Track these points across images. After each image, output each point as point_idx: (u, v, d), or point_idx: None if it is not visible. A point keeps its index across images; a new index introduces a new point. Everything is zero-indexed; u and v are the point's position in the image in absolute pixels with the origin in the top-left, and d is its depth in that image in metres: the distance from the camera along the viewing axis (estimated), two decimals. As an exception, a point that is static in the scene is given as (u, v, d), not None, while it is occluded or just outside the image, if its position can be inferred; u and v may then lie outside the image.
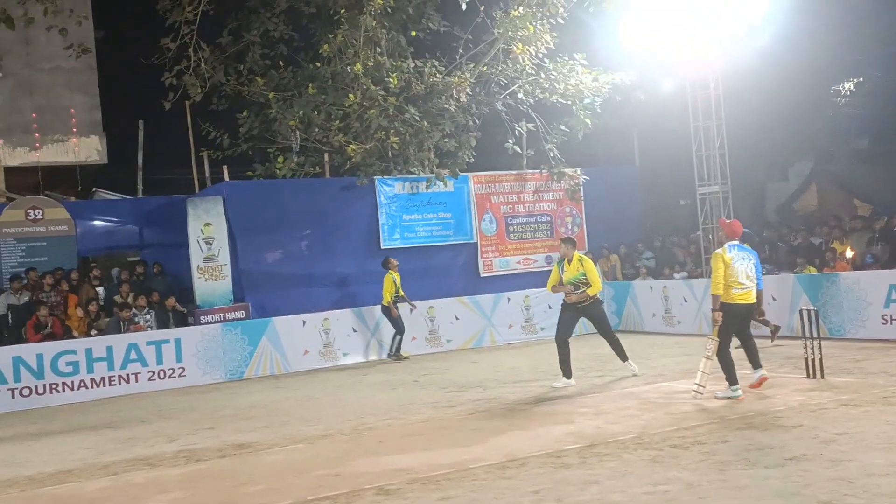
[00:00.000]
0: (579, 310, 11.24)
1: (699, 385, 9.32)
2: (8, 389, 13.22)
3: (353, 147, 16.55)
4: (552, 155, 18.55)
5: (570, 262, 11.23)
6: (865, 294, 12.92)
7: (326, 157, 17.75)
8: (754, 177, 21.11)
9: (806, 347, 9.93)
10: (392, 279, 15.59)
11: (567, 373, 11.07)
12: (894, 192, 18.86)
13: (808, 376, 9.84)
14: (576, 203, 19.30)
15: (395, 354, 15.58)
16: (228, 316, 15.52)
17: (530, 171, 18.91)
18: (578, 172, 19.17)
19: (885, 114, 20.85)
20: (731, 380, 9.22)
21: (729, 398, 9.13)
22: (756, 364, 9.50)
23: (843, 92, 18.60)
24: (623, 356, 11.48)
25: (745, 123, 18.16)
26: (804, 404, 8.54)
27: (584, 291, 11.06)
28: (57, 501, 7.22)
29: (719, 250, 9.27)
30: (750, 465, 6.42)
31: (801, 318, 10.11)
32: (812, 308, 10.51)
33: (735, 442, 7.18)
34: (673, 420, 8.32)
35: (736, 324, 9.30)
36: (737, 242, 9.37)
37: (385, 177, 17.49)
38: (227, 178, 17.11)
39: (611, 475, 6.47)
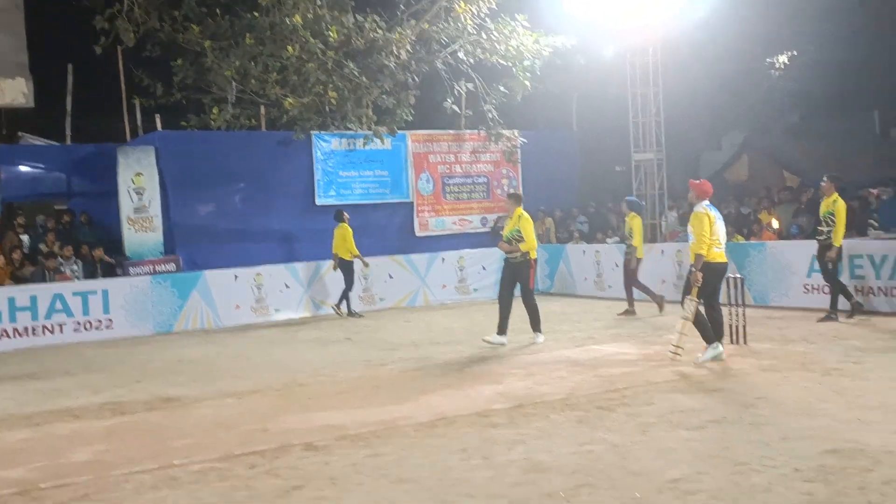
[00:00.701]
0: (510, 266, 11.32)
1: (678, 347, 9.19)
2: (-75, 338, 12.87)
3: (291, 101, 16.31)
4: (490, 116, 18.55)
5: (510, 217, 11.42)
6: (790, 263, 13.27)
7: (262, 109, 17.46)
8: (689, 145, 21.42)
9: (731, 314, 10.17)
10: (350, 232, 15.46)
11: (502, 330, 11.18)
12: (822, 167, 19.32)
13: (732, 342, 10.08)
14: (513, 165, 19.37)
15: (353, 312, 15.51)
16: (158, 268, 15.25)
17: (468, 131, 18.89)
18: (516, 134, 19.21)
19: (816, 90, 21.30)
20: (710, 339, 9.18)
21: (713, 358, 9.05)
22: (712, 339, 9.18)
23: (778, 65, 18.94)
24: (536, 326, 11.44)
25: (682, 92, 18.38)
26: (727, 369, 8.78)
27: (517, 246, 11.14)
28: (-24, 452, 7.06)
29: (701, 209, 9.18)
30: (672, 427, 6.58)
31: (728, 286, 10.32)
32: (738, 276, 10.75)
33: (659, 404, 7.35)
34: (600, 382, 8.46)
35: (717, 282, 9.28)
36: (708, 202, 9.33)
37: (322, 132, 17.28)
38: (159, 127, 16.72)
39: (538, 435, 6.57)
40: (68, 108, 18.42)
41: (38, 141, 19.12)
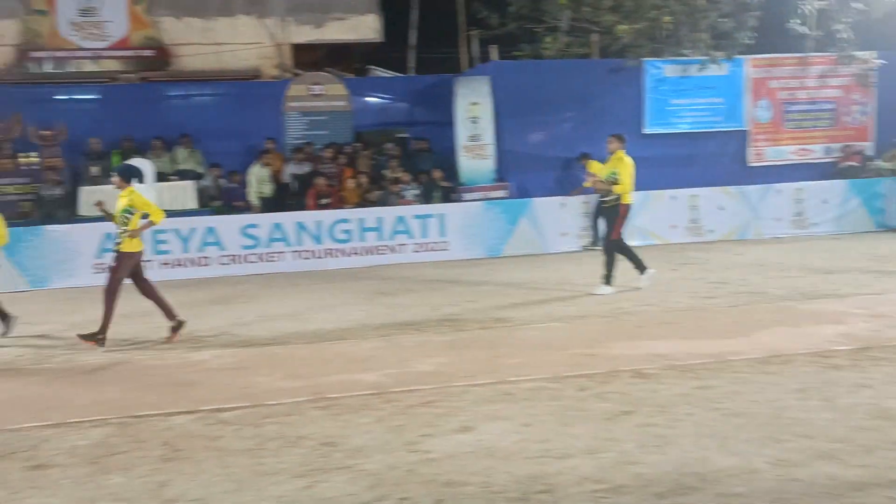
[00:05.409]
0: (602, 209, 11.09)
1: None
2: (292, 251, 14.45)
3: (623, 27, 16.02)
4: (843, 36, 16.93)
5: (610, 157, 10.93)
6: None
7: (595, 37, 17.33)
8: None
9: None
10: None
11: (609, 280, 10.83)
12: None
13: None
14: (866, 90, 17.65)
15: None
16: (490, 195, 15.89)
17: (816, 54, 17.45)
18: (873, 56, 17.43)
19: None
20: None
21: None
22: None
23: None
24: (607, 279, 10.76)
25: None
26: None
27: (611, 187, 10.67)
28: (338, 354, 7.90)
29: None
30: None
31: None
32: None
33: None
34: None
35: None
36: None
37: (654, 59, 16.84)
38: (494, 58, 17.21)
39: (887, 380, 6.09)
40: (412, 41, 19.59)
41: (385, 73, 20.52)
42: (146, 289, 8.97)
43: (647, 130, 16.81)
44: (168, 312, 8.98)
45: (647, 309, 9.51)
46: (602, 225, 11.24)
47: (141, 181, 9.12)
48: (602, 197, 10.94)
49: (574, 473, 4.60)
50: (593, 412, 5.70)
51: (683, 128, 17.05)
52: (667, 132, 16.78)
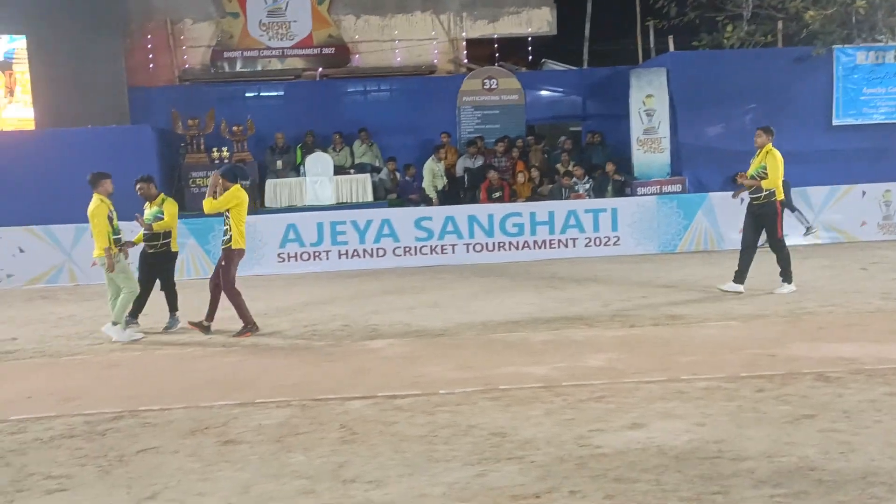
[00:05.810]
0: (752, 209, 10.40)
1: None
2: (464, 244, 14.67)
3: (812, 13, 15.24)
4: None
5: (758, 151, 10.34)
6: None
7: (780, 24, 16.57)
8: None
9: None
10: None
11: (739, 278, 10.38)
12: None
13: None
14: None
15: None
16: (665, 189, 15.54)
17: None
18: None
19: None
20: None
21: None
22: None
23: None
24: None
25: None
26: None
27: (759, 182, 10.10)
28: (508, 346, 7.97)
29: None
30: None
31: None
32: None
33: None
34: None
35: None
36: None
37: (846, 46, 15.91)
38: (671, 48, 16.79)
39: None
40: (586, 33, 19.41)
41: (559, 66, 20.44)
42: (218, 287, 9.27)
43: (837, 122, 15.93)
44: (211, 314, 9.32)
45: (832, 309, 9.05)
46: (750, 223, 10.48)
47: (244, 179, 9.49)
48: (752, 194, 10.35)
49: (751, 477, 4.45)
50: (771, 415, 5.48)
51: (878, 119, 16.03)
52: (859, 123, 15.83)
